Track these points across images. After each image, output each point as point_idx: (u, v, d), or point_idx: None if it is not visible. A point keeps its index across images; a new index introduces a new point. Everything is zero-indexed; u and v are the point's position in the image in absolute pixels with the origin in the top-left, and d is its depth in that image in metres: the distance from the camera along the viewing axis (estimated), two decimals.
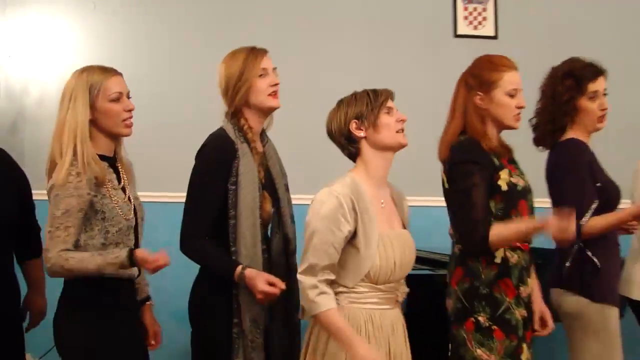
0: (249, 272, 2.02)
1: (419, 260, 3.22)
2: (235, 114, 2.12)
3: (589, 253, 2.29)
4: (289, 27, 4.18)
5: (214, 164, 2.08)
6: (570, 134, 2.44)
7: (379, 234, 1.90)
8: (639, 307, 2.76)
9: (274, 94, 2.12)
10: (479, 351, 2.04)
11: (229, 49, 2.18)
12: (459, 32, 4.34)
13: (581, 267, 2.31)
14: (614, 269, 2.40)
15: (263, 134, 2.23)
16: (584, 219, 2.24)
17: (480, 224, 2.01)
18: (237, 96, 2.08)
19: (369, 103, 1.94)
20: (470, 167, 2.06)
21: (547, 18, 4.43)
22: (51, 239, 1.85)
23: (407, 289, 2.08)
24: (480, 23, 4.34)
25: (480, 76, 2.15)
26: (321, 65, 4.18)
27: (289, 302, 2.18)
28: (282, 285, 2.03)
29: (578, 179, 2.31)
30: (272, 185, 2.21)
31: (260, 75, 2.08)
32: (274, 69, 2.15)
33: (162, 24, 3.86)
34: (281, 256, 2.22)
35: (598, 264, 2.28)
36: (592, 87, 2.40)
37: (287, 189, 2.28)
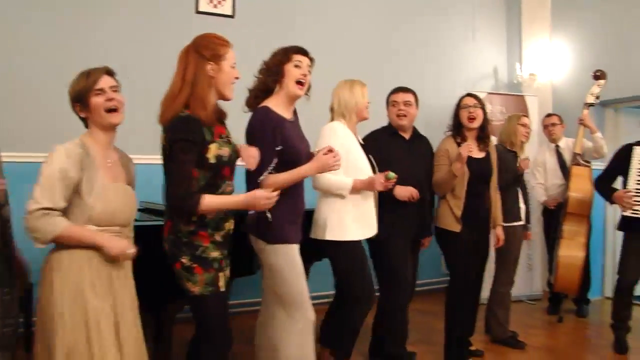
0: None
1: (156, 212, 3.33)
2: None
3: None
4: None
5: None
6: (270, 101, 2.79)
7: (101, 185, 2.14)
8: (325, 246, 3.17)
9: None
10: (188, 284, 2.39)
11: None
12: (200, 9, 4.61)
13: (260, 219, 2.72)
14: (286, 218, 2.78)
15: None
16: (261, 177, 2.65)
17: (189, 196, 2.26)
18: None
19: (83, 87, 2.14)
20: (187, 145, 2.25)
21: (275, 2, 4.94)
22: None
23: (132, 234, 2.32)
24: (220, 2, 4.64)
25: (213, 49, 2.38)
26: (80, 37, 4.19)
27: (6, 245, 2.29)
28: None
29: (261, 142, 2.64)
30: None
31: None
32: None
33: None
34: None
35: (270, 217, 2.70)
36: (296, 57, 2.81)
37: None
